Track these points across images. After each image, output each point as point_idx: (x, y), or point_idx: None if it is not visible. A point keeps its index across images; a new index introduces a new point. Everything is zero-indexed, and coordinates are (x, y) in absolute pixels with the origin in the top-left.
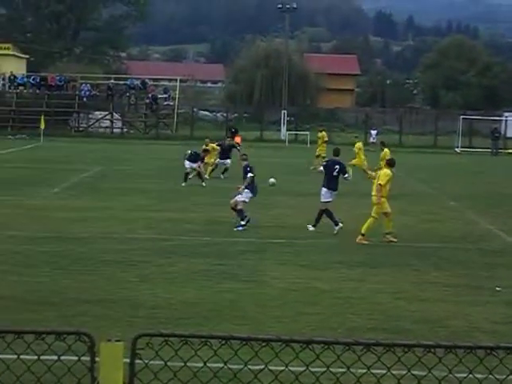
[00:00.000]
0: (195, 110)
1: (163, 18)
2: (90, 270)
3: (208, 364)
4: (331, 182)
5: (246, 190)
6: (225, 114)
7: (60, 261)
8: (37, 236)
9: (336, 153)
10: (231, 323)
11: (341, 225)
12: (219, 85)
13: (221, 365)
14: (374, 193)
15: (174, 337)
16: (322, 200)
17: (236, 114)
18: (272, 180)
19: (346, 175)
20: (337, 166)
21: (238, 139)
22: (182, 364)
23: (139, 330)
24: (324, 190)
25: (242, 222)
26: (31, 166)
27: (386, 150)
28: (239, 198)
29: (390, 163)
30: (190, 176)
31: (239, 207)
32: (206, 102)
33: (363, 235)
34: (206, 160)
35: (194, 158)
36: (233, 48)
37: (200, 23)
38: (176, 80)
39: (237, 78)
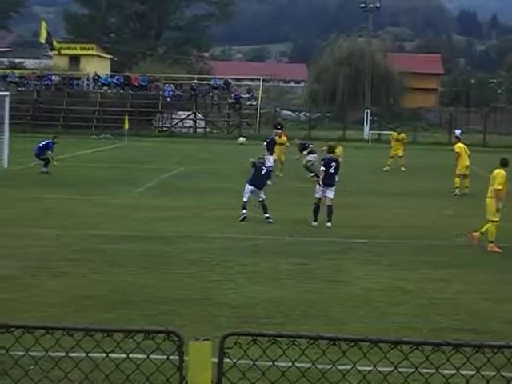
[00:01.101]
0: (278, 109)
1: (246, 17)
2: (173, 268)
3: (296, 363)
4: (327, 179)
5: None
6: (307, 114)
7: (144, 260)
8: (121, 235)
9: (331, 150)
10: (315, 323)
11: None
12: (302, 84)
13: (309, 364)
14: (489, 195)
15: (263, 336)
16: (316, 195)
17: (319, 114)
18: (241, 139)
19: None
20: (333, 164)
21: (284, 138)
22: (271, 363)
23: (223, 329)
24: (317, 186)
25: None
26: (115, 166)
27: (458, 143)
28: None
29: (503, 163)
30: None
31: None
32: (289, 101)
33: (491, 242)
34: (274, 156)
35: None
36: (315, 47)
37: (283, 23)
38: (259, 80)
39: (319, 78)
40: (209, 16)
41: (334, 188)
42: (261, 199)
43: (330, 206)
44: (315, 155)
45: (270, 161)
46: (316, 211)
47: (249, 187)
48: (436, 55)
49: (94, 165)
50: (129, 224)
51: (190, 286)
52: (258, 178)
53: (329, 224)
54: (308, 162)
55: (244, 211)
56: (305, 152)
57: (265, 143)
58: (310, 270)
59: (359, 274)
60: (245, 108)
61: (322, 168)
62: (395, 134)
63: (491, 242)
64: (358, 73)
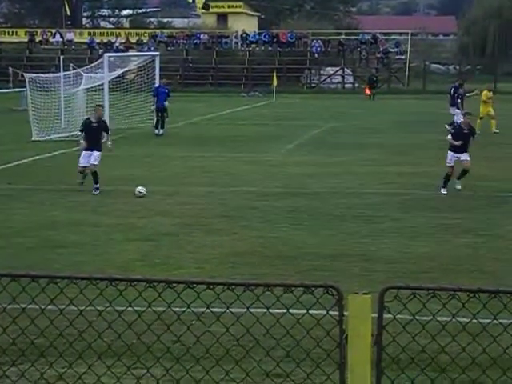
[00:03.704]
0: (427, 63)
1: None
2: (326, 224)
3: (456, 317)
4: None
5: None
6: (457, 67)
7: (296, 216)
8: (273, 192)
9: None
10: (469, 277)
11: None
12: (451, 37)
13: (469, 319)
14: None
15: (422, 290)
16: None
17: (469, 67)
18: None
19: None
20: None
21: (367, 91)
22: (431, 317)
23: (379, 284)
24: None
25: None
26: (265, 123)
27: None
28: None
29: None
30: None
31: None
32: (438, 54)
33: None
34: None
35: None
36: None
37: None
38: (407, 33)
39: (469, 30)
40: None
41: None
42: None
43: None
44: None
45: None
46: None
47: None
48: None
49: (245, 122)
50: (279, 181)
51: (342, 242)
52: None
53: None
54: None
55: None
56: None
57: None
58: (464, 224)
59: None
60: (393, 62)
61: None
62: None
63: None
64: (508, 24)
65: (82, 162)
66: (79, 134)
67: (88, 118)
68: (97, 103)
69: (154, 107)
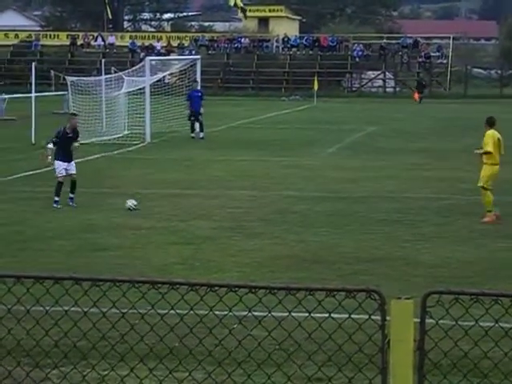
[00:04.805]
0: (469, 67)
1: None
2: (366, 228)
3: (500, 323)
4: None
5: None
6: (499, 71)
7: (337, 220)
8: (313, 195)
9: None
10: (510, 283)
11: None
12: (492, 42)
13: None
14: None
15: (464, 294)
16: None
17: (510, 71)
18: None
19: None
20: None
21: (416, 95)
22: (473, 322)
23: (420, 289)
24: None
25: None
26: (306, 127)
27: None
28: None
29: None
30: None
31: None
32: (480, 59)
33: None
34: None
35: None
36: (505, 3)
37: None
38: (449, 38)
39: (510, 35)
40: None
41: None
42: None
43: None
44: None
45: None
46: None
47: None
48: None
49: (285, 126)
50: (320, 185)
51: (383, 246)
52: None
53: None
54: None
55: None
56: None
57: None
58: (505, 229)
59: None
60: (435, 67)
61: None
62: None
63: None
64: None
65: (62, 173)
66: (50, 146)
67: (64, 129)
68: (71, 111)
69: (200, 112)
